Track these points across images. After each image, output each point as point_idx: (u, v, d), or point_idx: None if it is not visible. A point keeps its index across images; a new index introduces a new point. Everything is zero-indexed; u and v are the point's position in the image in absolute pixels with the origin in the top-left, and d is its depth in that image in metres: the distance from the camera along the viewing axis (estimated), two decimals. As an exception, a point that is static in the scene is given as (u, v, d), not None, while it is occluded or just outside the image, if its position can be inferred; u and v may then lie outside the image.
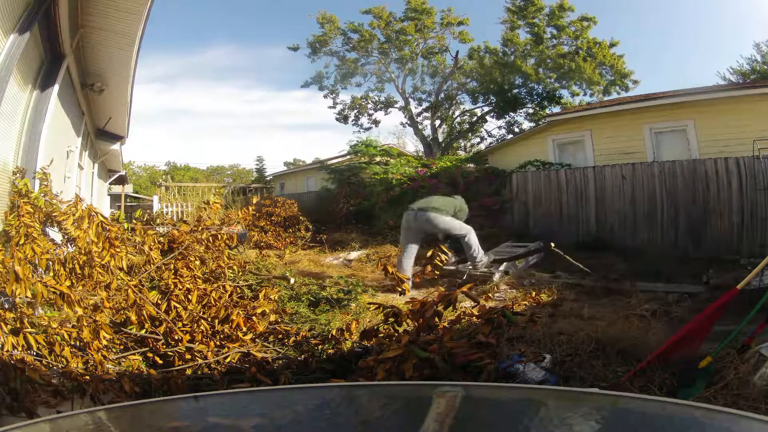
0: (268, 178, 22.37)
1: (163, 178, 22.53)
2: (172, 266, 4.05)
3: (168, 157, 43.55)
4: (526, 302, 4.57)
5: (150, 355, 2.99)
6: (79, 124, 7.10)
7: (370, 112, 21.84)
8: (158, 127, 59.27)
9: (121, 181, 15.82)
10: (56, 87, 4.66)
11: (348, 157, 16.16)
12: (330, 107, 21.92)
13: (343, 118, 21.86)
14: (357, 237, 9.62)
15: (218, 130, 64.64)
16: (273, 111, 65.66)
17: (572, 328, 3.36)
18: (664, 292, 4.78)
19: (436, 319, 2.65)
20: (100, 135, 9.37)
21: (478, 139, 22.77)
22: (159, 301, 3.32)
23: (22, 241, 3.23)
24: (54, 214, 3.81)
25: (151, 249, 4.22)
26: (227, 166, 37.39)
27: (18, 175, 3.93)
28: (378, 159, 13.91)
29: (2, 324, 2.31)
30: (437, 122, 21.20)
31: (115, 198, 16.70)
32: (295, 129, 67.02)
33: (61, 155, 5.81)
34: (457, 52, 19.75)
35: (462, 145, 23.84)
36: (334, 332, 3.25)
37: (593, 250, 7.20)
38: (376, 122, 21.95)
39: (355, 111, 21.72)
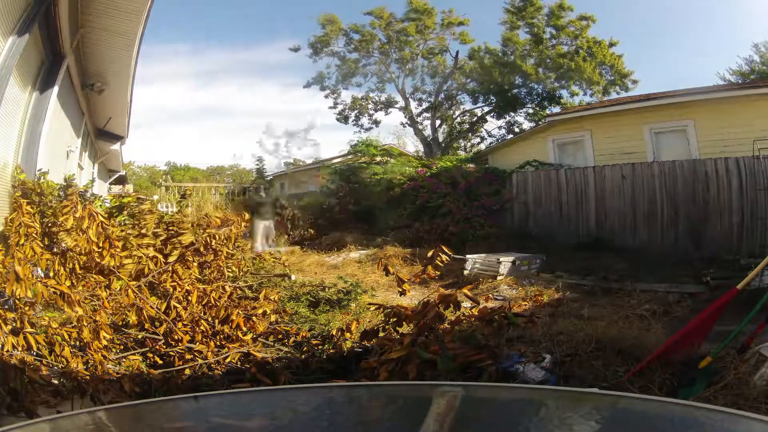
0: (268, 178, 22.32)
1: (163, 178, 22.49)
2: (171, 267, 4.04)
3: (168, 157, 43.36)
4: (526, 302, 4.58)
5: (150, 355, 2.98)
6: (79, 125, 7.11)
7: (371, 112, 21.81)
8: (187, 126, 57.22)
9: (121, 181, 15.82)
10: (56, 88, 4.66)
11: (348, 157, 16.14)
12: (330, 107, 21.88)
13: (343, 119, 21.82)
14: (357, 237, 9.63)
15: (242, 130, 61.67)
16: (307, 110, 63.42)
17: (572, 328, 3.36)
18: (664, 292, 4.79)
19: (438, 321, 2.64)
20: (100, 135, 9.36)
21: (478, 139, 22.72)
22: (159, 302, 3.31)
23: (22, 241, 3.23)
24: (54, 215, 3.82)
25: (151, 249, 4.21)
26: (227, 166, 37.25)
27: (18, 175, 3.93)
28: (378, 159, 13.90)
29: (2, 324, 2.31)
30: (437, 122, 21.17)
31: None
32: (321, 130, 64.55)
33: (61, 155, 5.82)
34: (458, 52, 19.72)
35: (462, 145, 23.77)
36: (334, 332, 3.24)
37: (593, 250, 7.19)
38: (376, 122, 21.89)
39: (356, 111, 21.69)
